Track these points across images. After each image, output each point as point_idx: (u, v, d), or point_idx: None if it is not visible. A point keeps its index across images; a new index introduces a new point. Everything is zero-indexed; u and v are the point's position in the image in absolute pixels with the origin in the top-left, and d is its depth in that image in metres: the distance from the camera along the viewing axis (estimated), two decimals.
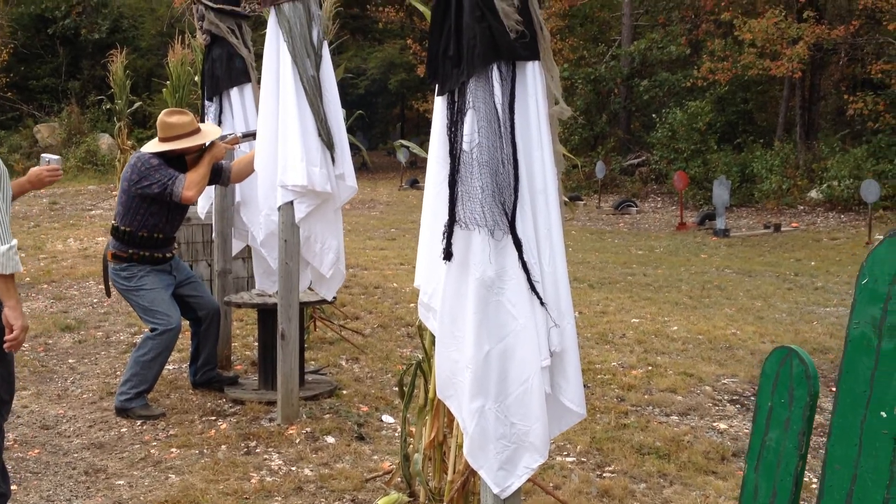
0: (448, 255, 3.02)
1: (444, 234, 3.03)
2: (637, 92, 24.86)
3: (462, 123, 2.99)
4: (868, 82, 23.03)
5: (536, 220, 3.01)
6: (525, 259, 2.97)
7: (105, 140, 25.67)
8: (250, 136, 5.95)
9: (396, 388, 6.02)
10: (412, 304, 9.08)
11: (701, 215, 17.93)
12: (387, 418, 5.57)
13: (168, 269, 5.80)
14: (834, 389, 5.86)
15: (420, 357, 4.26)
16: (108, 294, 6.00)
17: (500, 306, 3.01)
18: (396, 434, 5.29)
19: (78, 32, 29.27)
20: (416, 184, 25.16)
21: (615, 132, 25.65)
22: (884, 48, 20.21)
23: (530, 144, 3.00)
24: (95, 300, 9.01)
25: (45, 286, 9.53)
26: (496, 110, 2.95)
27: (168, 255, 5.79)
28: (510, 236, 2.96)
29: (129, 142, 18.94)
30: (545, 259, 3.02)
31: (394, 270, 11.30)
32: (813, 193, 19.41)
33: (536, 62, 2.99)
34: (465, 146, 2.98)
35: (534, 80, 2.99)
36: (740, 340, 7.63)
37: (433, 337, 4.13)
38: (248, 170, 5.91)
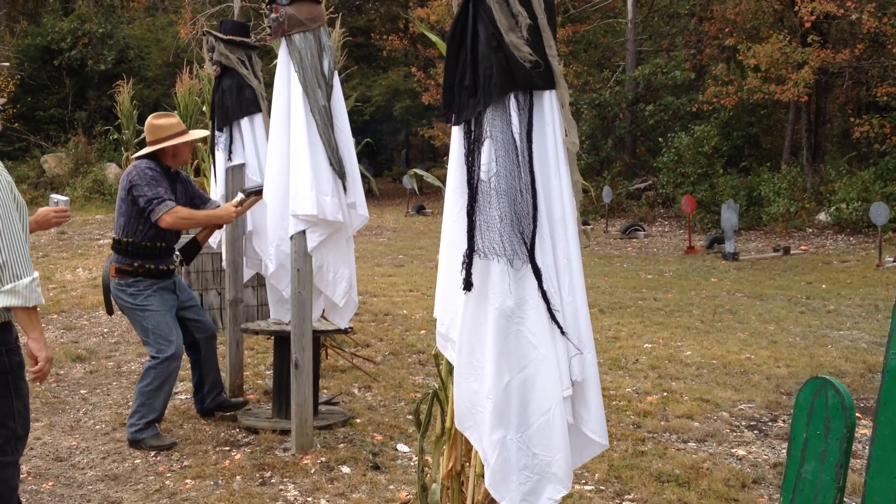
0: (468, 285, 3.00)
1: (463, 264, 3.02)
2: (642, 117, 24.91)
3: (479, 153, 2.99)
4: (873, 105, 23.08)
5: (555, 248, 2.99)
6: (545, 288, 2.95)
7: (112, 169, 25.76)
8: (256, 192, 5.91)
9: (411, 417, 6.02)
10: (423, 331, 9.07)
11: (709, 239, 17.90)
12: (402, 447, 5.53)
13: (172, 288, 5.78)
14: None
15: (436, 386, 4.22)
16: (110, 312, 5.93)
17: (520, 336, 2.99)
18: (412, 463, 5.25)
19: (84, 63, 29.47)
20: (422, 210, 25.20)
21: (621, 157, 25.68)
22: (889, 71, 20.25)
23: (548, 173, 2.99)
24: (106, 330, 9.01)
25: (55, 316, 9.53)
26: (514, 139, 2.94)
27: (171, 266, 5.78)
28: (529, 265, 2.95)
29: None
30: (565, 288, 3.00)
31: (403, 297, 11.29)
32: (821, 216, 19.39)
33: (553, 91, 2.99)
34: (482, 175, 2.98)
35: (551, 110, 2.99)
36: (755, 365, 7.58)
37: (450, 366, 4.11)
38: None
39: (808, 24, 19.13)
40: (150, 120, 5.75)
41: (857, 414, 6.21)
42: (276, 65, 7.13)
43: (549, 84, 2.97)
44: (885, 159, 19.71)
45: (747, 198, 20.26)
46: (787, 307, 10.86)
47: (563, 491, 3.02)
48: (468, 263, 3.00)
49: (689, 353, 8.06)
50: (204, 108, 12.44)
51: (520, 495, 3.03)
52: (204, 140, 9.82)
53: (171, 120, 5.76)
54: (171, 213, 5.49)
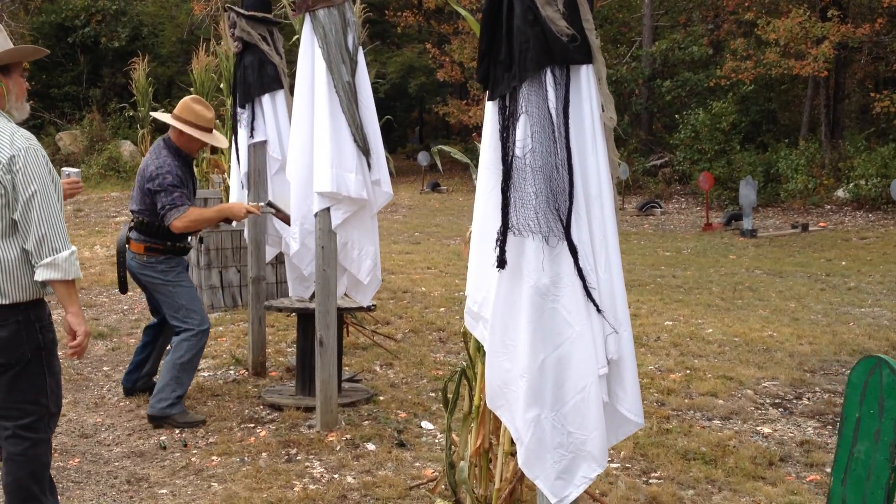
0: (502, 262, 2.97)
1: (497, 241, 2.99)
2: (659, 93, 24.74)
3: (514, 128, 2.95)
4: (892, 80, 22.85)
5: (591, 226, 2.96)
6: (581, 265, 2.92)
7: (127, 147, 25.79)
8: (271, 210, 5.91)
9: (433, 394, 6.02)
10: (442, 309, 9.06)
11: (727, 216, 17.80)
12: (426, 425, 5.53)
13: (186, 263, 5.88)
14: None
15: (464, 364, 4.21)
16: (124, 290, 5.88)
17: (555, 314, 2.96)
18: (436, 440, 5.26)
19: (98, 41, 29.43)
20: (437, 187, 25.13)
21: (637, 133, 25.53)
22: None
23: (585, 149, 2.95)
24: (125, 307, 9.03)
25: None
26: (550, 115, 2.90)
27: (191, 244, 5.90)
28: (565, 243, 2.91)
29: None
30: (601, 265, 2.97)
31: (421, 275, 11.27)
32: (840, 192, 19.25)
33: (590, 66, 2.95)
34: (517, 152, 2.94)
35: (588, 85, 2.94)
36: (777, 343, 7.54)
37: (478, 344, 4.10)
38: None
39: None
40: (189, 102, 5.73)
41: None
42: (297, 41, 7.14)
43: (587, 58, 2.93)
44: None
45: (765, 174, 20.12)
46: (808, 284, 10.79)
47: (598, 469, 3.00)
48: (502, 241, 2.97)
49: (711, 330, 8.02)
50: (221, 86, 12.39)
51: (554, 473, 3.01)
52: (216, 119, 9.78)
53: (207, 113, 5.73)
54: (182, 218, 5.48)
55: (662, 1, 27.66)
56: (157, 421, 5.56)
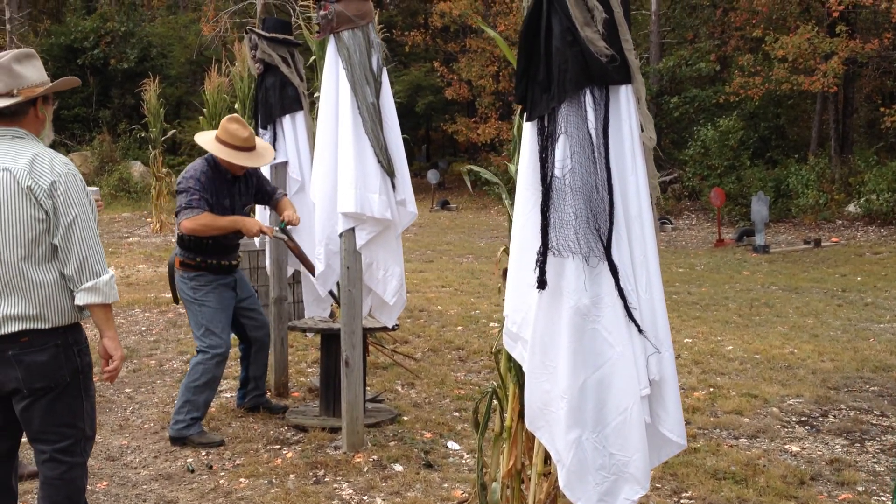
0: (542, 283, 2.97)
1: (536, 261, 2.99)
2: (667, 109, 24.75)
3: (553, 149, 2.96)
4: None
5: (632, 246, 2.96)
6: (622, 286, 2.92)
7: (137, 167, 25.90)
8: (283, 237, 5.83)
9: (458, 414, 6.01)
10: (459, 328, 9.05)
11: (739, 231, 17.77)
12: (452, 445, 5.51)
13: (232, 284, 5.80)
14: None
15: (494, 384, 4.19)
16: (177, 301, 5.97)
17: (595, 334, 2.96)
18: (464, 461, 5.24)
19: (107, 62, 29.62)
20: (446, 205, 25.16)
21: None
22: None
23: (625, 170, 2.96)
24: (143, 328, 9.03)
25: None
26: (589, 135, 2.91)
27: (234, 262, 5.80)
28: (606, 263, 2.92)
29: (164, 169, 19.06)
30: (642, 286, 2.97)
31: (436, 293, 11.27)
32: (851, 207, 19.22)
33: (629, 86, 2.96)
34: (557, 172, 2.95)
35: (627, 105, 2.96)
36: (799, 360, 7.51)
37: (509, 364, 4.08)
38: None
39: (836, 14, 18.96)
40: (225, 122, 5.64)
41: None
42: (312, 62, 7.17)
43: (626, 78, 2.94)
44: None
45: (775, 190, 20.09)
46: (824, 300, 10.76)
47: (640, 492, 2.99)
48: (542, 261, 2.98)
49: (731, 347, 8.00)
50: (235, 106, 12.43)
51: (597, 496, 3.00)
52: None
53: (242, 132, 5.60)
54: (193, 220, 5.41)
55: (669, 18, 27.74)
56: (176, 443, 5.56)
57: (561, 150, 2.93)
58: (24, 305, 3.32)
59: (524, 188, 3.12)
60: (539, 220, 2.98)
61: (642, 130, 2.98)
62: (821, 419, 5.98)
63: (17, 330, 3.31)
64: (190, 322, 5.79)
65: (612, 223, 2.90)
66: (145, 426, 6.02)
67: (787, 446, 5.43)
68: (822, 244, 16.64)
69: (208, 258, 5.64)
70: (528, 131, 3.08)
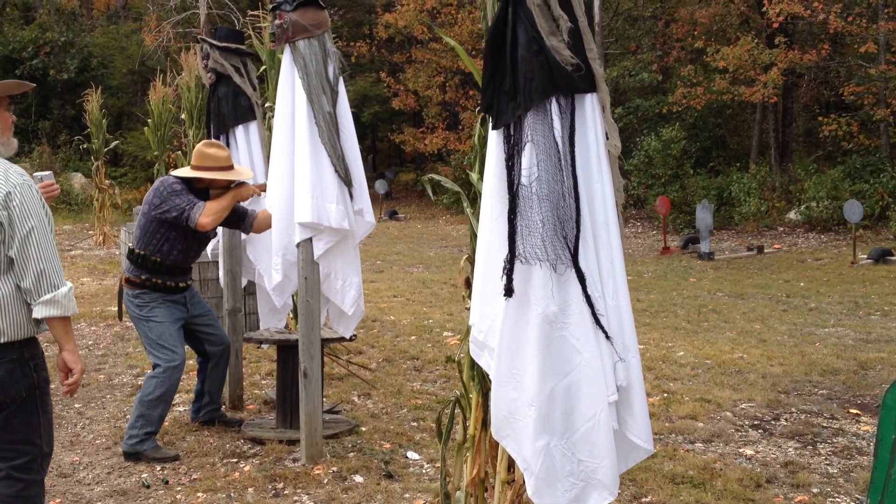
0: (509, 291, 2.97)
1: (504, 269, 2.99)
2: None
3: (520, 157, 2.97)
4: (836, 104, 23.41)
5: (599, 252, 2.99)
6: (589, 292, 2.94)
7: (77, 179, 25.45)
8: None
9: (415, 424, 5.99)
10: (413, 337, 9.04)
11: (684, 239, 18.04)
12: (412, 455, 5.49)
13: (182, 301, 5.72)
14: (853, 412, 5.86)
15: (458, 393, 4.19)
16: (120, 318, 6.01)
17: (563, 341, 2.97)
18: (424, 471, 5.22)
19: (46, 73, 29.04)
20: (394, 215, 25.11)
21: None
22: (854, 70, 20.53)
23: (591, 177, 2.98)
24: (90, 342, 8.86)
25: None
26: (556, 143, 2.93)
27: (182, 284, 5.70)
28: (573, 270, 2.94)
29: (106, 181, 18.76)
30: (608, 292, 2.99)
31: (388, 303, 11.24)
32: (792, 215, 19.63)
33: (594, 94, 2.98)
34: (524, 180, 2.96)
35: (592, 113, 2.98)
36: (749, 364, 7.64)
37: (472, 373, 4.09)
38: (267, 224, 5.73)
39: (775, 25, 19.38)
40: (200, 147, 5.62)
41: (855, 410, 6.28)
42: (263, 71, 7.12)
43: (591, 87, 2.97)
44: (853, 157, 20.01)
45: (718, 198, 20.44)
46: (770, 305, 10.96)
47: (609, 498, 3.00)
48: (509, 269, 2.98)
49: (682, 353, 8.10)
50: (182, 116, 12.28)
51: (566, 502, 3.01)
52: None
53: (221, 153, 5.62)
54: (205, 214, 5.38)
55: (612, 29, 28.09)
56: (130, 458, 5.46)
57: (527, 157, 2.94)
58: None
59: (490, 196, 3.12)
60: (506, 228, 2.99)
61: (607, 138, 3.01)
62: (773, 423, 6.08)
63: None
64: (142, 340, 5.68)
65: (578, 230, 2.92)
66: (97, 442, 5.90)
67: (741, 450, 5.51)
68: (765, 251, 16.96)
69: (154, 277, 5.56)
70: (495, 139, 3.09)
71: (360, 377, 7.27)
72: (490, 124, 3.13)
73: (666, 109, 22.45)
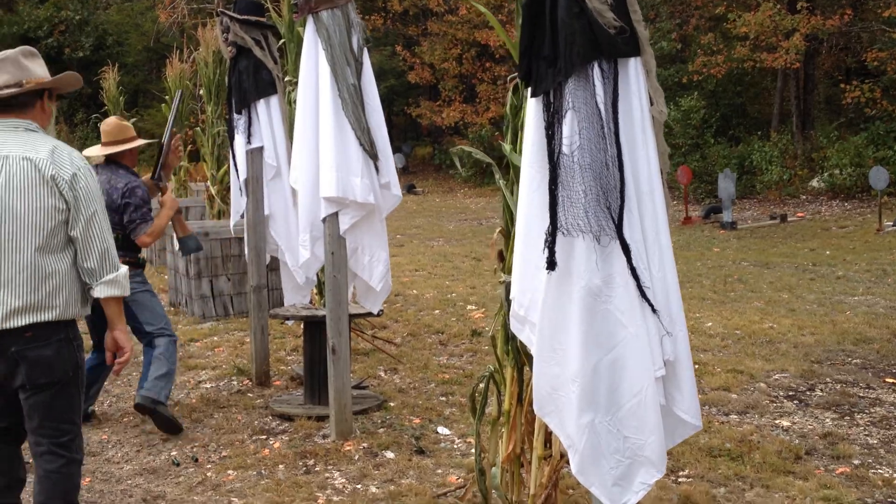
0: (552, 264, 2.88)
1: (545, 242, 2.90)
2: None
3: (561, 125, 2.87)
4: (859, 70, 23.05)
5: (644, 223, 2.89)
6: (634, 264, 2.84)
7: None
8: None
9: (443, 398, 5.93)
10: (436, 311, 8.98)
11: (706, 209, 17.87)
12: (442, 430, 5.43)
13: None
14: (889, 381, 5.73)
15: (491, 368, 4.12)
16: None
17: (608, 315, 2.89)
18: (455, 446, 5.16)
19: (62, 51, 29.04)
20: (412, 189, 25.01)
21: None
22: (878, 36, 20.19)
23: (635, 145, 2.88)
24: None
25: None
26: (598, 110, 2.83)
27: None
28: (617, 241, 2.84)
29: None
30: (654, 264, 2.90)
31: (410, 277, 11.18)
32: (814, 182, 19.39)
33: (638, 58, 2.88)
34: (564, 149, 2.86)
35: (636, 78, 2.88)
36: (780, 334, 7.53)
37: (506, 347, 4.01)
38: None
39: None
40: (116, 120, 5.69)
41: (892, 379, 6.18)
42: (282, 45, 7.02)
43: (635, 51, 2.86)
44: (876, 124, 19.71)
45: (739, 167, 20.21)
46: (796, 274, 10.82)
47: (656, 475, 2.93)
48: (551, 241, 2.89)
49: (711, 324, 8.00)
50: (201, 92, 12.21)
51: (611, 480, 2.93)
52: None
53: (128, 124, 5.75)
54: (150, 233, 5.46)
55: None
56: (145, 409, 5.45)
57: (569, 126, 2.84)
58: (32, 297, 3.25)
59: (529, 166, 3.03)
60: (546, 199, 2.90)
61: (652, 104, 2.90)
62: (808, 393, 5.98)
63: (24, 324, 3.24)
64: (141, 318, 5.60)
65: (623, 200, 2.83)
66: (124, 419, 5.87)
67: (777, 421, 5.42)
68: (788, 219, 16.77)
69: (137, 254, 5.63)
70: (533, 108, 2.99)
71: (385, 352, 7.21)
72: (527, 92, 3.03)
73: (686, 79, 22.15)
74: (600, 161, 2.82)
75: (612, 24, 2.79)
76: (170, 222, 5.72)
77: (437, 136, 30.94)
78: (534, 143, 2.99)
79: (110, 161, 5.62)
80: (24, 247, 3.24)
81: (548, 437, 3.80)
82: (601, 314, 2.88)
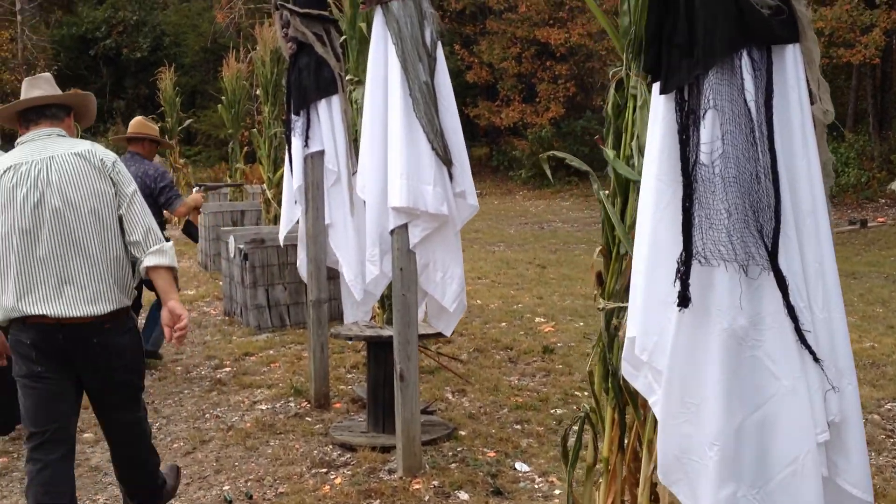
0: (684, 300, 2.33)
1: (676, 272, 2.35)
2: None
3: (697, 129, 2.32)
4: None
5: (804, 250, 2.32)
6: (792, 302, 2.28)
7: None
8: (214, 188, 6.86)
9: (518, 427, 5.39)
10: (503, 324, 8.45)
11: None
12: (521, 466, 4.88)
13: None
14: None
15: (587, 407, 3.58)
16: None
17: (756, 364, 2.33)
18: (536, 486, 4.63)
19: (119, 52, 29.10)
20: None
21: None
22: None
23: (793, 152, 2.31)
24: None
25: None
26: (747, 110, 2.27)
27: None
28: (770, 273, 2.28)
29: (180, 160, 18.52)
30: (817, 301, 2.33)
31: (473, 285, 10.65)
32: (894, 185, 18.47)
33: (797, 45, 2.31)
34: (703, 158, 2.31)
35: (795, 70, 2.31)
36: (883, 355, 6.86)
37: (604, 384, 3.48)
38: None
39: None
40: (143, 120, 7.10)
41: None
42: (343, 42, 6.54)
43: (793, 36, 2.29)
44: None
45: None
46: (887, 286, 10.09)
47: None
48: (684, 272, 2.34)
49: None
50: (258, 92, 11.84)
51: None
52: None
53: (152, 124, 7.11)
54: (184, 205, 6.88)
55: None
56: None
57: (708, 129, 2.29)
58: (102, 285, 3.56)
59: (655, 179, 2.47)
60: (678, 219, 2.35)
61: (814, 101, 2.34)
62: None
63: (105, 312, 3.55)
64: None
65: (777, 222, 2.26)
66: (174, 446, 5.43)
67: None
68: (869, 225, 15.92)
69: None
70: (662, 107, 2.44)
71: (452, 370, 6.68)
72: (655, 89, 2.48)
73: None
74: (749, 173, 2.26)
75: (766, 3, 2.23)
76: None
77: (495, 137, 30.35)
78: (661, 151, 2.44)
79: (132, 153, 6.76)
80: (89, 235, 3.55)
81: (653, 488, 3.26)
82: (747, 363, 2.32)
